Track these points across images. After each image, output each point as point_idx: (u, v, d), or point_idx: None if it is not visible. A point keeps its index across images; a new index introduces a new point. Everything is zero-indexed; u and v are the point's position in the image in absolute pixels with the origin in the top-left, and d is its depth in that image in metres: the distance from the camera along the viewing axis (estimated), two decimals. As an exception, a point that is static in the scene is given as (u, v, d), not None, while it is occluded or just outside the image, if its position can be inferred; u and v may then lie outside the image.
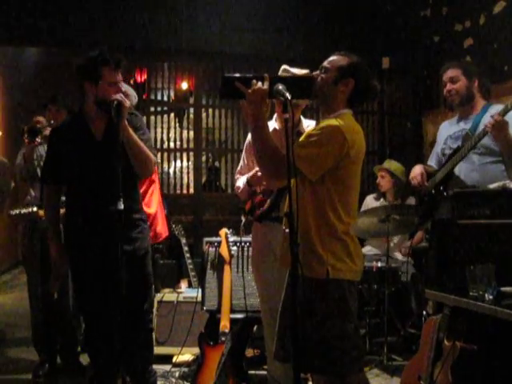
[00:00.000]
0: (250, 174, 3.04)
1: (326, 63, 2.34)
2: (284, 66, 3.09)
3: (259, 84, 2.14)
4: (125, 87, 3.07)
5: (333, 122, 2.21)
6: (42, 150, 3.90)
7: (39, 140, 3.68)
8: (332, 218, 2.22)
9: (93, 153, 2.73)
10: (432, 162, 3.50)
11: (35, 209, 3.30)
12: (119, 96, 2.62)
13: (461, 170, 3.19)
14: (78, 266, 2.81)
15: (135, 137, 2.69)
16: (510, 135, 2.99)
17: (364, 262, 2.41)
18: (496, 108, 3.09)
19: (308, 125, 3.07)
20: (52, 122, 3.83)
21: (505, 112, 2.92)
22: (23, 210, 3.31)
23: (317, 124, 2.42)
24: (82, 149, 2.75)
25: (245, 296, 3.53)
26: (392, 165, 4.93)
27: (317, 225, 2.22)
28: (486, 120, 3.03)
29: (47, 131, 3.66)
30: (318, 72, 2.34)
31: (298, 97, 2.12)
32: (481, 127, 3.07)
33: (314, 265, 2.20)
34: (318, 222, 2.22)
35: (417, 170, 3.39)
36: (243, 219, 3.43)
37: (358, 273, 2.30)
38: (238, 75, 2.24)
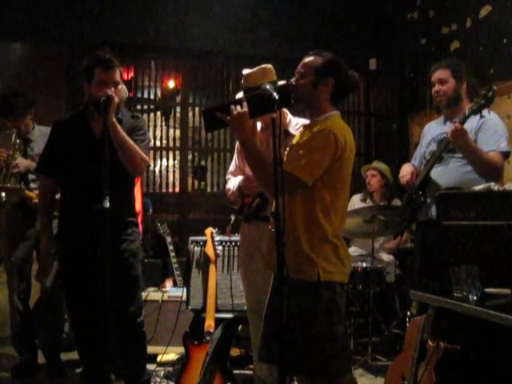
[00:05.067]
0: (241, 180, 3.01)
1: (300, 68, 2.32)
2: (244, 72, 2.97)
3: (238, 108, 2.15)
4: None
5: (323, 126, 2.22)
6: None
7: None
8: (322, 221, 2.22)
9: (91, 150, 2.71)
10: (415, 163, 3.50)
11: (23, 186, 3.30)
12: (109, 91, 2.63)
13: (436, 173, 3.20)
14: (67, 263, 2.81)
15: (123, 133, 2.69)
16: (470, 141, 2.99)
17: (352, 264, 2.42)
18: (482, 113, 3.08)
19: (297, 122, 2.97)
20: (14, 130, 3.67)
21: (464, 119, 2.94)
22: (10, 185, 3.29)
23: (308, 125, 2.41)
24: (81, 145, 2.76)
25: (232, 295, 3.53)
26: (381, 165, 4.95)
27: (306, 227, 2.22)
28: (467, 125, 3.02)
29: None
30: (293, 79, 2.32)
31: (277, 107, 2.14)
32: None
33: (304, 267, 2.20)
34: (307, 224, 2.22)
35: (407, 169, 3.38)
36: (233, 218, 3.42)
37: (348, 275, 2.31)
38: (216, 105, 2.28)
